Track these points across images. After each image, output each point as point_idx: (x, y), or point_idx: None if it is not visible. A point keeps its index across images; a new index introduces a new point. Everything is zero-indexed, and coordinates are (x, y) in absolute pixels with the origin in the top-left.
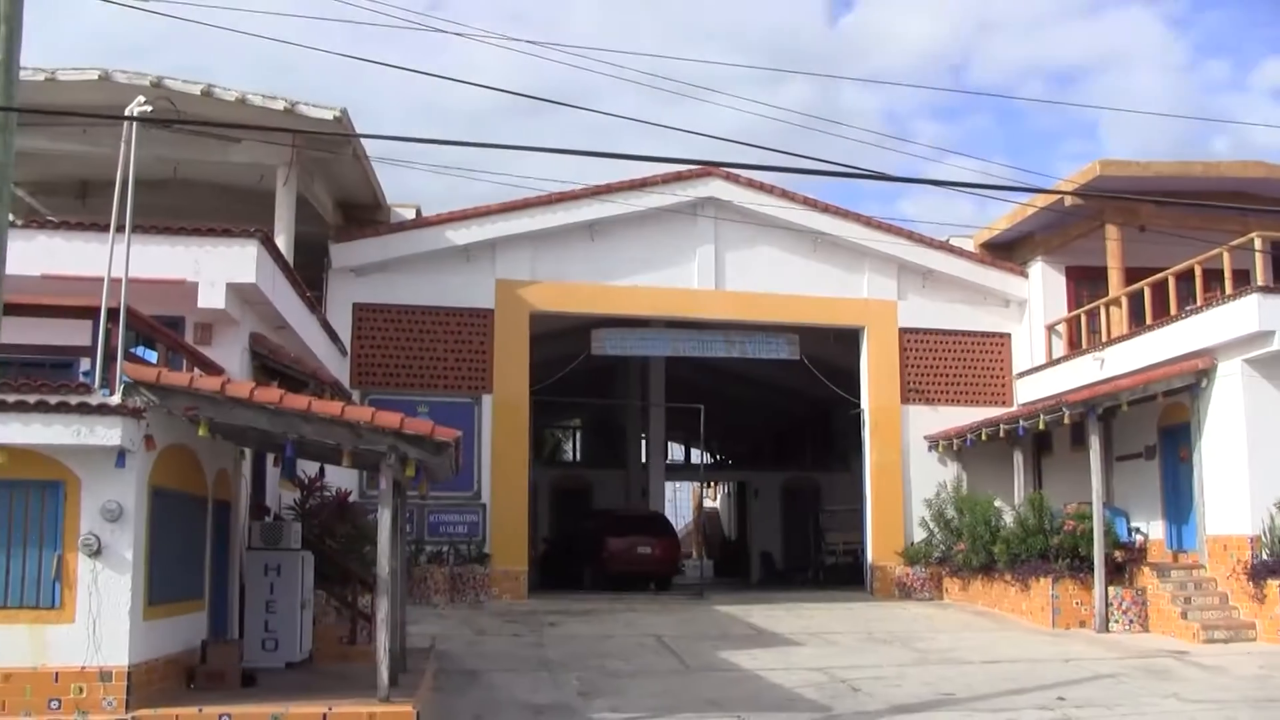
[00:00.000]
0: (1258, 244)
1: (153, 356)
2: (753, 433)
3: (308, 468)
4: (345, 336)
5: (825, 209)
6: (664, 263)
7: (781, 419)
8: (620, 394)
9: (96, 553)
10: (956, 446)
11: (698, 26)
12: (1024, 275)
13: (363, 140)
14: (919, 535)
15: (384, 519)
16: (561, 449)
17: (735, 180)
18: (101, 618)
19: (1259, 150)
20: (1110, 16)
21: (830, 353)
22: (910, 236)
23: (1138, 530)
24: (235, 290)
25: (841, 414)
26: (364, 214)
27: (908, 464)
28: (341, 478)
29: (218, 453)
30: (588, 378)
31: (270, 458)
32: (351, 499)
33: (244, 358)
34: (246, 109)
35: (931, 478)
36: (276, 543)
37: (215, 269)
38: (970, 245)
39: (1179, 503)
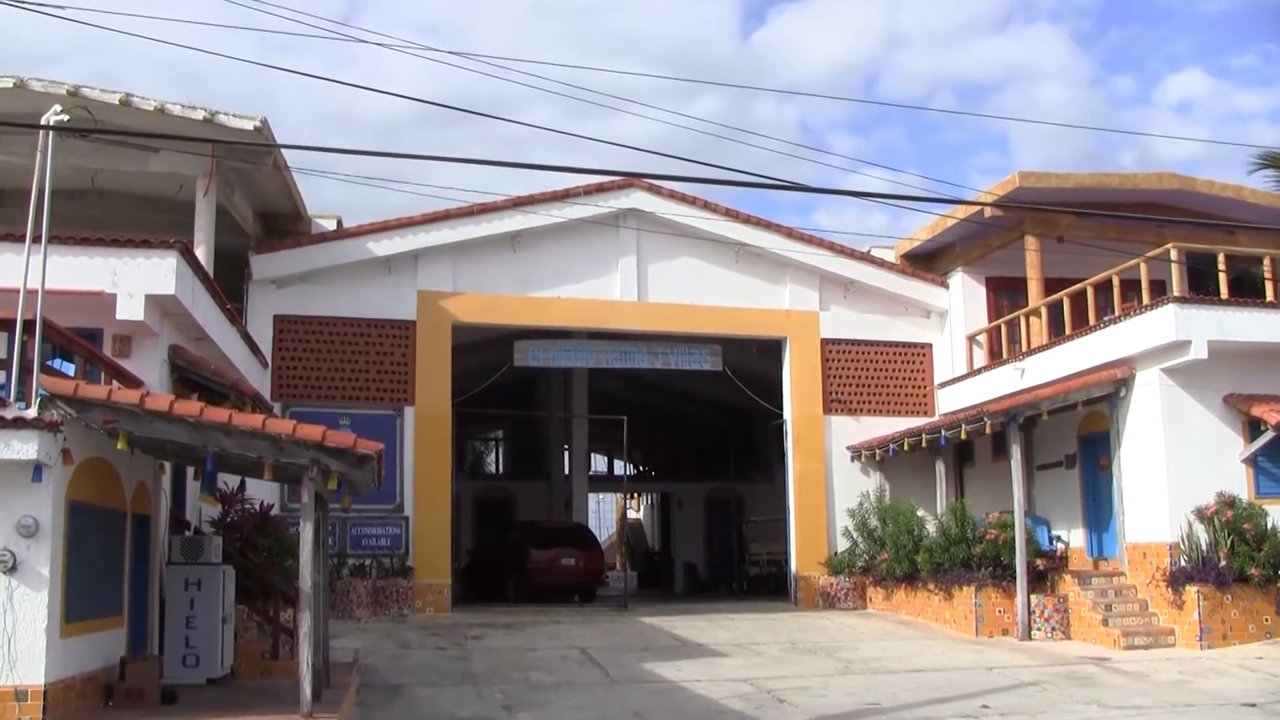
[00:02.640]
0: (1174, 255)
1: (70, 369)
2: (676, 444)
3: (229, 481)
4: (266, 348)
5: (747, 220)
6: (587, 274)
7: (704, 430)
8: (543, 405)
9: (12, 569)
10: (879, 456)
11: (608, 40)
12: (945, 286)
13: (283, 150)
14: (842, 545)
15: (306, 532)
16: (484, 461)
17: (657, 192)
18: (17, 636)
19: (1164, 163)
20: (1018, 32)
21: (753, 363)
22: (831, 248)
23: (1059, 538)
24: (154, 302)
25: (764, 425)
26: (285, 225)
27: (831, 474)
28: (263, 491)
29: (136, 466)
30: (510, 389)
31: (190, 471)
32: (273, 512)
33: (163, 370)
34: (165, 118)
35: (854, 488)
36: (197, 557)
37: (134, 280)
38: (891, 256)
39: (1099, 511)
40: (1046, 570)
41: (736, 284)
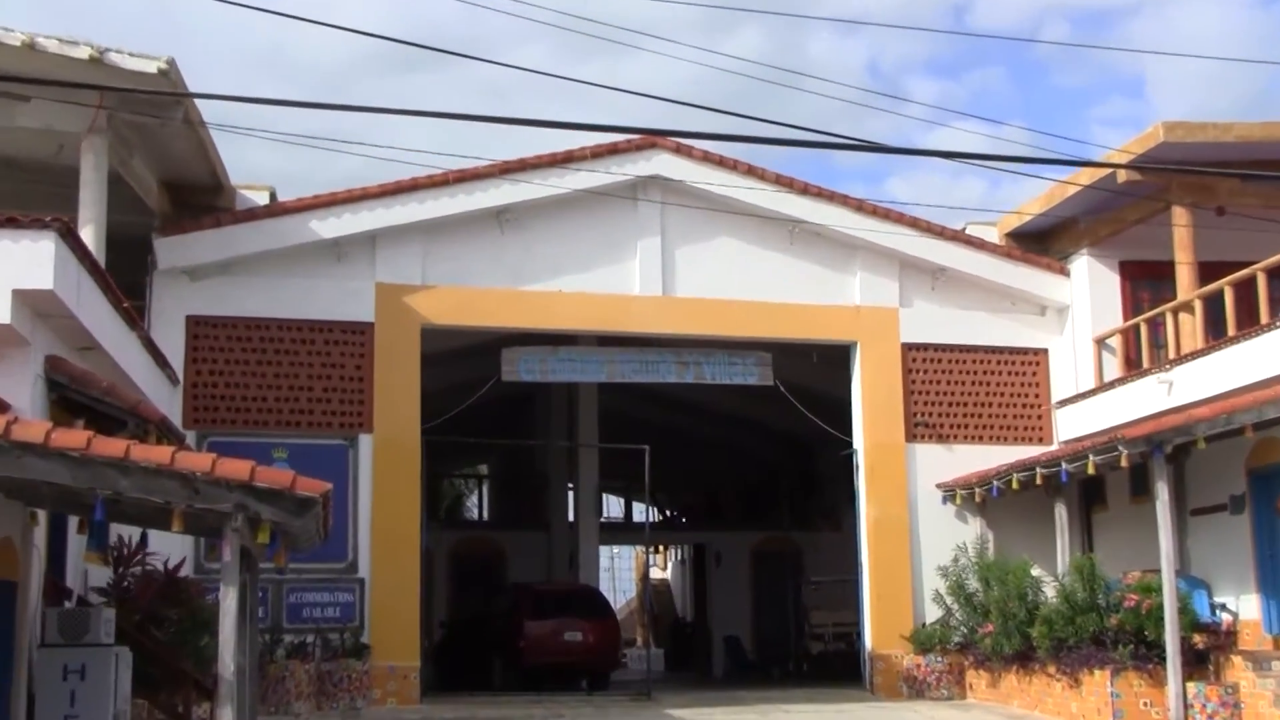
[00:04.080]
0: None
1: None
2: (713, 481)
3: (126, 535)
4: (176, 360)
5: (804, 190)
6: (596, 261)
7: (750, 463)
8: (540, 432)
9: None
10: (979, 497)
11: None
12: (1064, 274)
13: (197, 101)
14: (932, 614)
15: (228, 601)
16: (464, 505)
17: (687, 154)
18: None
19: None
20: None
21: (813, 376)
22: (915, 224)
23: (1224, 607)
24: (24, 299)
25: (828, 456)
26: (201, 198)
27: (916, 520)
28: (171, 546)
29: (0, 517)
30: (498, 411)
31: (74, 523)
32: (184, 575)
33: (37, 389)
34: (37, 57)
35: (947, 538)
36: (80, 636)
37: None
38: (993, 236)
39: (1279, 571)
40: (1208, 649)
41: (791, 273)
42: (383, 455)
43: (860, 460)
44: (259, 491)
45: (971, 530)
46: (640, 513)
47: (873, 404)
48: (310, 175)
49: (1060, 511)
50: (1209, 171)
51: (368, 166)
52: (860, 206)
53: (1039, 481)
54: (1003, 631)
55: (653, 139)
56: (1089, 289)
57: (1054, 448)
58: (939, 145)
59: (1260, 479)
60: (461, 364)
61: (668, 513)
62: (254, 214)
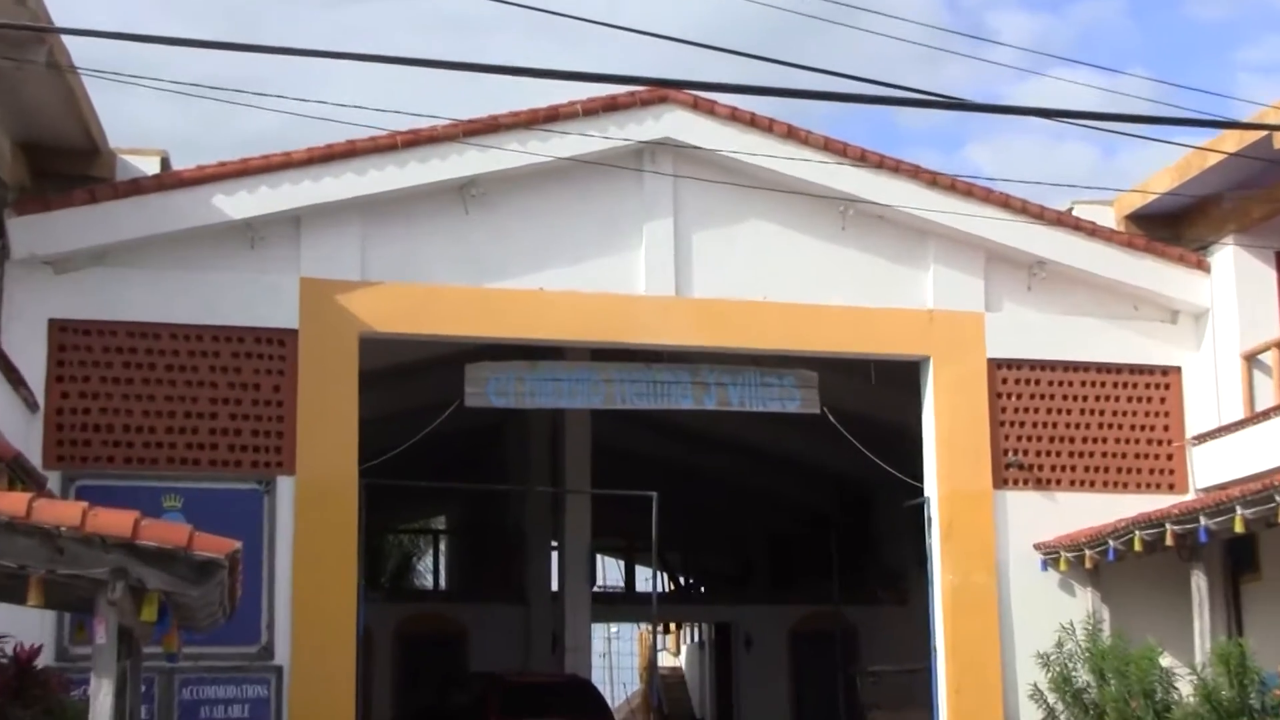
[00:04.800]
0: None
1: None
2: (741, 539)
3: None
4: (35, 377)
5: (860, 158)
6: (588, 250)
7: (789, 516)
8: (515, 474)
9: None
10: (1090, 561)
11: None
12: (1203, 268)
13: (67, 40)
14: (1029, 716)
15: (101, 697)
16: (415, 569)
17: (708, 111)
18: None
19: None
20: None
21: (871, 402)
22: (1006, 204)
23: None
24: None
25: (891, 506)
26: (69, 165)
27: (1006, 592)
28: (25, 626)
29: None
30: (460, 446)
31: None
32: (42, 664)
33: None
34: None
35: (1048, 615)
36: None
37: None
38: (1109, 219)
39: None
40: None
41: (843, 267)
42: (308, 504)
43: (933, 512)
44: (144, 552)
45: (1080, 605)
46: (646, 580)
47: (950, 438)
48: (214, 137)
49: (1198, 581)
50: None
51: (290, 126)
52: (934, 181)
53: (1170, 541)
54: None
55: (663, 91)
56: (1236, 289)
57: (1190, 497)
58: (1035, 101)
59: None
60: (413, 385)
61: (681, 580)
62: (140, 187)
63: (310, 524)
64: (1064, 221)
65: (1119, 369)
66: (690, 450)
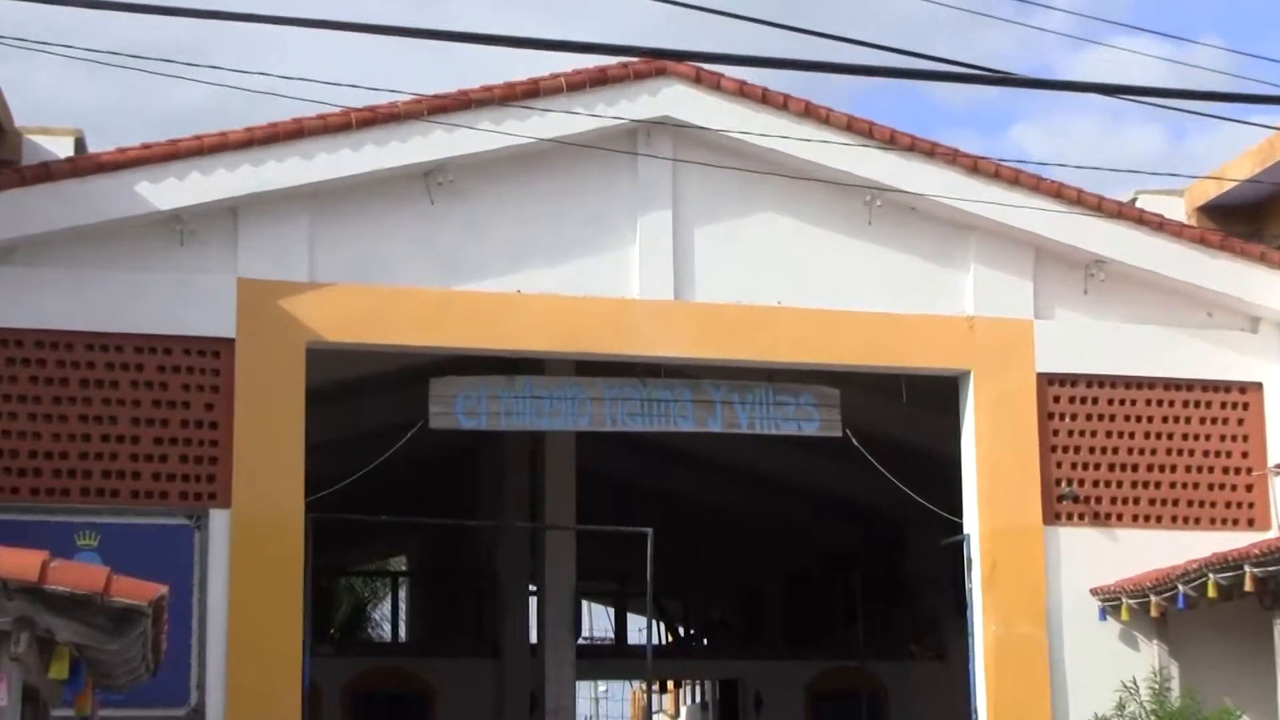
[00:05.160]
0: None
1: None
2: (751, 582)
3: None
4: None
5: (891, 141)
6: (574, 247)
7: (806, 555)
8: (487, 508)
9: None
10: (1157, 609)
11: None
12: None
13: None
14: None
15: None
16: (370, 618)
17: (713, 86)
18: None
19: None
20: None
21: (902, 424)
22: (1060, 194)
23: None
24: None
25: (926, 544)
26: None
27: (1059, 644)
28: None
29: None
30: (424, 475)
31: None
32: None
33: None
34: None
35: (1108, 671)
36: None
37: None
38: (1179, 210)
39: None
40: None
41: (868, 266)
42: (246, 542)
43: (974, 551)
44: (53, 599)
45: (1145, 660)
46: (639, 630)
47: (993, 466)
48: (137, 115)
49: None
50: None
51: (227, 101)
52: (975, 167)
53: (1249, 586)
54: None
55: (661, 63)
56: None
57: (1272, 534)
58: (1092, 75)
59: None
60: (369, 403)
61: (681, 630)
62: (50, 172)
63: (249, 565)
64: (1126, 214)
65: (1190, 385)
66: (691, 480)
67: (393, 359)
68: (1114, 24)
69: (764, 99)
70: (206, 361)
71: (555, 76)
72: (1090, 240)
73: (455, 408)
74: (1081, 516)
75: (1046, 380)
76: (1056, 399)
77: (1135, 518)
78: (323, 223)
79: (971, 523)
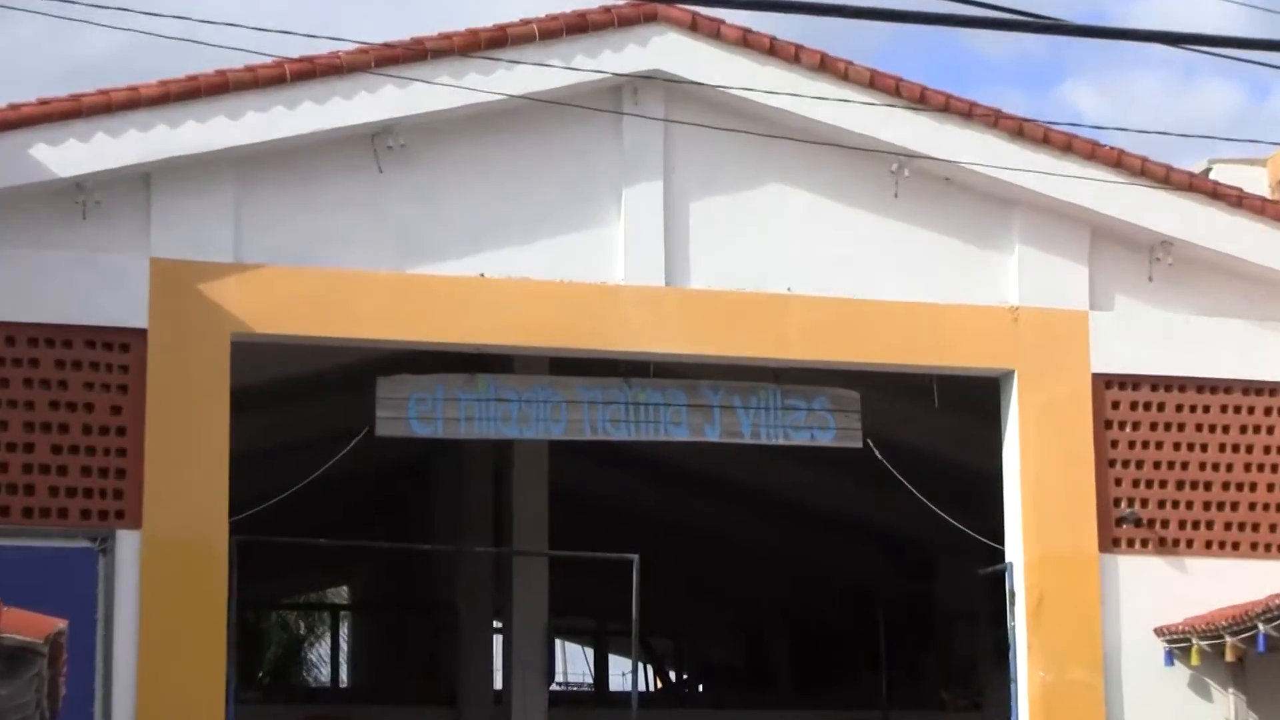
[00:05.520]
0: None
1: None
2: (754, 619)
3: None
4: None
5: (920, 98)
6: (547, 223)
7: (821, 589)
8: (445, 529)
9: None
10: (1233, 652)
11: None
12: None
13: None
14: None
15: None
16: (305, 659)
17: (712, 34)
18: None
19: None
20: None
21: (933, 433)
22: (1120, 163)
23: None
24: None
25: (961, 576)
26: None
27: (1117, 693)
28: None
29: None
30: (371, 491)
31: None
32: None
33: None
34: None
35: None
36: None
37: None
38: (1260, 183)
39: None
40: None
41: (894, 247)
42: (159, 569)
43: (1018, 584)
44: None
45: (1218, 711)
46: (623, 674)
47: (1040, 482)
48: (33, 65)
49: None
50: None
51: (139, 50)
52: (1020, 130)
53: None
54: None
55: (651, 6)
56: None
57: None
58: (1157, 22)
59: None
60: (306, 407)
61: (672, 675)
62: None
63: (162, 596)
64: (1198, 187)
65: (1273, 389)
66: (684, 500)
67: (333, 355)
68: None
69: (772, 50)
70: (113, 356)
71: (526, 23)
72: (1156, 218)
73: (407, 412)
74: (1144, 543)
75: (1104, 382)
76: (1115, 404)
77: (1208, 544)
78: (252, 194)
79: (1015, 550)
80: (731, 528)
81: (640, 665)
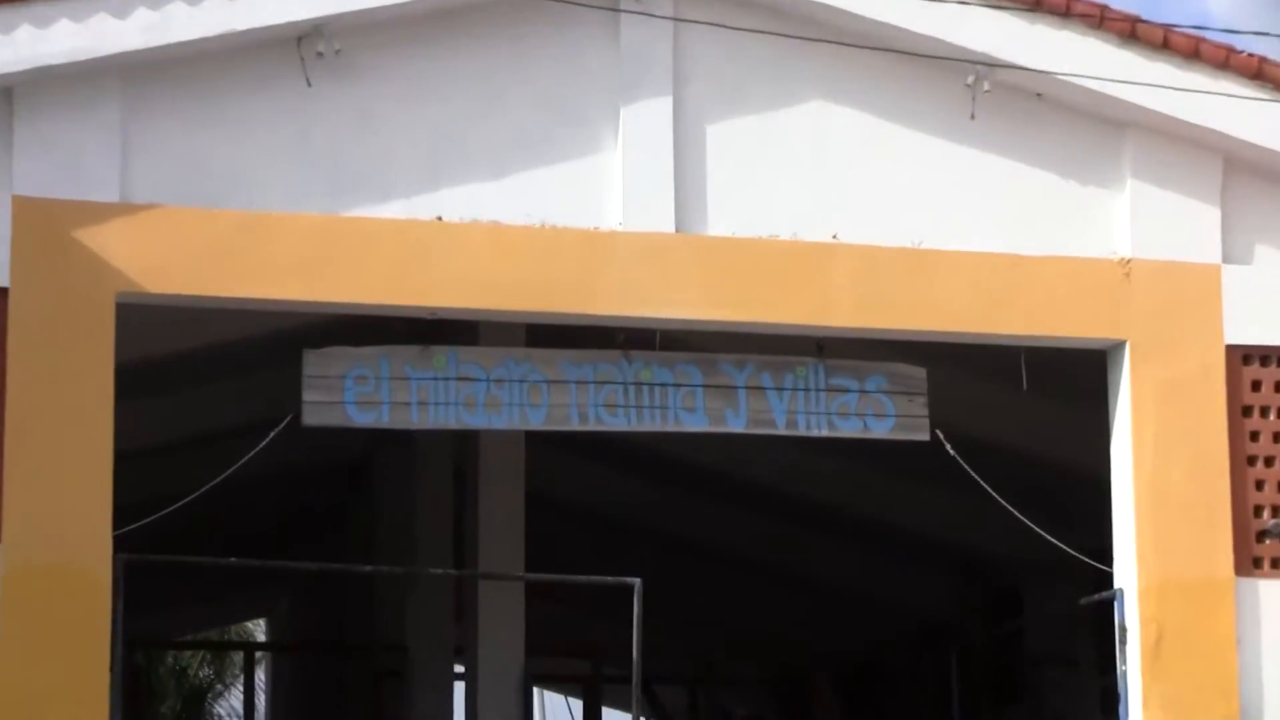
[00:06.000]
0: None
1: None
2: (792, 665)
3: None
4: None
5: None
6: (522, 151)
7: (877, 627)
8: (390, 545)
9: None
10: None
11: None
12: None
13: None
14: None
15: None
16: (212, 711)
17: None
18: None
19: None
20: None
21: (1020, 422)
22: (1261, 74)
23: None
24: None
25: (1055, 606)
26: None
27: None
28: None
29: None
30: (298, 499)
31: None
32: None
33: None
34: None
35: None
36: None
37: None
38: None
39: None
40: None
41: (970, 182)
42: (23, 597)
43: (1132, 616)
44: None
45: None
46: None
47: (1159, 487)
48: None
49: None
50: None
51: None
52: (1133, 33)
53: None
54: None
55: None
56: None
57: None
58: None
59: None
60: (212, 388)
61: None
62: None
63: (27, 630)
64: None
65: None
66: (699, 510)
67: (248, 322)
68: None
69: None
70: None
71: None
72: None
73: (343, 395)
74: None
75: (1240, 356)
76: (1256, 385)
77: None
78: (142, 114)
79: (1127, 573)
80: (759, 546)
81: (638, 715)
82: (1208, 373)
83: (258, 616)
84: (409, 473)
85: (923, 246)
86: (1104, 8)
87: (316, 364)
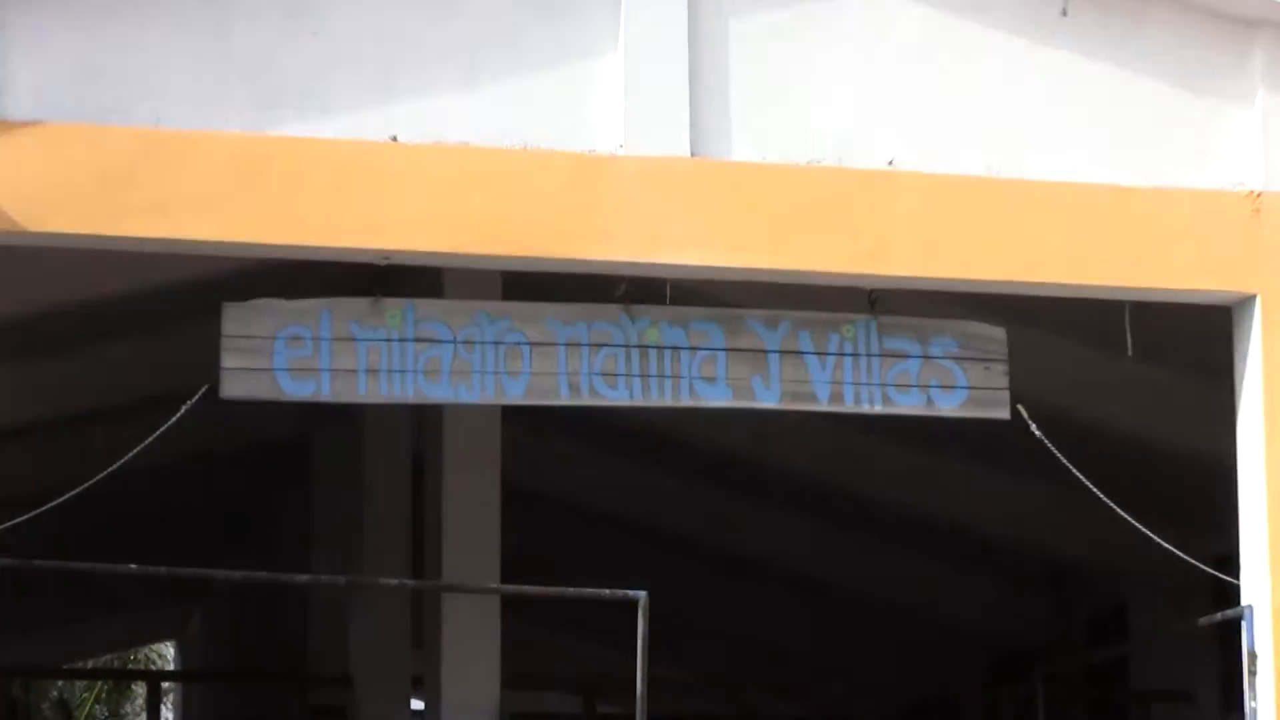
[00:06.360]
0: None
1: None
2: (842, 700)
3: None
4: None
5: None
6: (498, 58)
7: (947, 654)
8: (329, 550)
9: None
10: None
11: None
12: None
13: None
14: None
15: None
16: None
17: None
18: None
19: None
20: None
21: (1124, 400)
22: None
23: None
24: None
25: (1165, 626)
26: None
27: None
28: None
29: None
30: (215, 489)
31: None
32: None
33: None
34: None
35: None
36: None
37: None
38: None
39: None
40: None
41: (1063, 96)
42: None
43: (1264, 639)
44: None
45: None
46: None
47: None
48: None
49: None
50: None
51: None
52: None
53: None
54: None
55: None
56: None
57: None
58: None
59: None
60: (106, 350)
61: None
62: None
63: None
64: None
65: None
66: (720, 506)
67: (151, 267)
68: None
69: None
70: None
71: None
72: None
73: (271, 360)
74: None
75: None
76: None
77: None
78: (20, 12)
79: (1258, 588)
80: (795, 553)
81: None
82: None
83: (165, 639)
84: (355, 459)
85: (1000, 175)
86: None
87: (238, 321)
